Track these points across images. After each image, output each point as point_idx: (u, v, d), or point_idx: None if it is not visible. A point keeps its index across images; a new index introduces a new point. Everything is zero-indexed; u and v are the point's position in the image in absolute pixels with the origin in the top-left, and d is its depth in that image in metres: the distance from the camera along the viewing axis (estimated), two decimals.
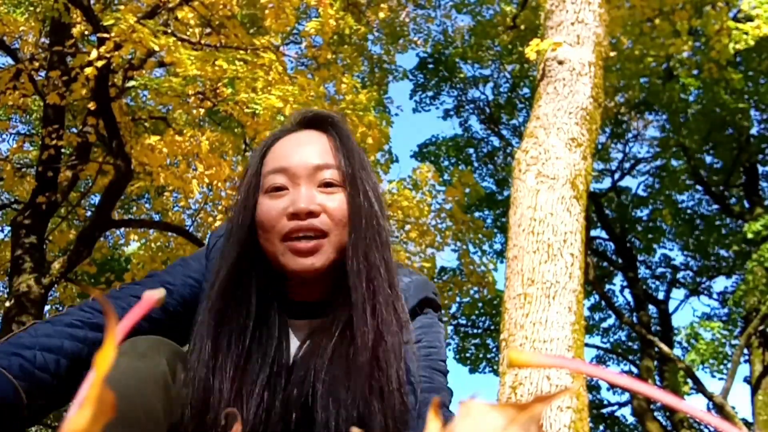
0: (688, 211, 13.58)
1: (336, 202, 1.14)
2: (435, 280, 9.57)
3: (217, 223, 7.15)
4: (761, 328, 10.97)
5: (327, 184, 1.15)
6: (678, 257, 16.57)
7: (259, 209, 1.16)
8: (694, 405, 0.27)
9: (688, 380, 12.12)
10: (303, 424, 1.08)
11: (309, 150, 1.18)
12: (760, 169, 12.97)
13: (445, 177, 11.25)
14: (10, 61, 6.76)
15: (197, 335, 1.12)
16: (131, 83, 5.65)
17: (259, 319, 1.14)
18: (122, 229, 9.03)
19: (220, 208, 7.30)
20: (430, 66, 12.98)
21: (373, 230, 1.15)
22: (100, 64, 4.66)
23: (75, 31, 6.00)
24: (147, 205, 9.77)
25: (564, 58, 4.85)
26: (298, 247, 1.11)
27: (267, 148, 1.23)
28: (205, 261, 1.24)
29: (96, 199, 8.66)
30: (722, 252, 13.42)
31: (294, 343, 1.16)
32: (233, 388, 1.07)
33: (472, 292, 10.28)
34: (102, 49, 4.65)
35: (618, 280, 14.35)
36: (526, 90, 13.00)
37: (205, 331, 1.11)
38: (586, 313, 13.10)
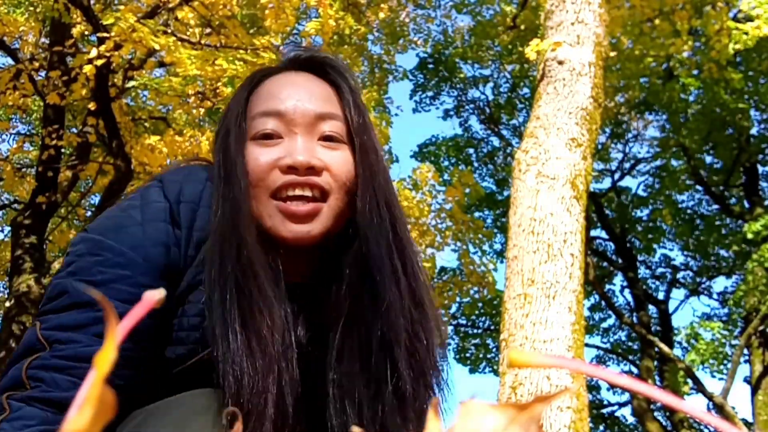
0: (688, 211, 13.58)
1: (341, 159, 0.96)
2: (435, 280, 9.57)
3: None
4: (761, 328, 10.96)
5: (329, 138, 0.97)
6: (678, 257, 16.56)
7: (244, 158, 0.95)
8: (694, 405, 0.27)
9: (688, 380, 12.12)
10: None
11: (308, 94, 0.98)
12: (760, 169, 12.97)
13: (445, 177, 11.24)
14: (10, 61, 6.76)
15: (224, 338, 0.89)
16: (131, 83, 5.66)
17: (274, 303, 0.93)
18: None
19: None
20: (430, 66, 12.99)
21: (389, 195, 0.98)
22: (99, 62, 4.66)
23: (75, 31, 6.01)
24: None
25: (564, 58, 4.85)
26: (293, 210, 0.92)
27: (254, 86, 1.02)
28: (181, 259, 0.94)
29: (96, 199, 8.66)
30: (722, 252, 13.43)
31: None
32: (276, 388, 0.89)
33: (472, 292, 10.28)
34: (102, 48, 4.65)
35: (618, 280, 14.36)
36: (526, 90, 13.00)
37: (233, 330, 0.89)
38: (586, 313, 13.09)
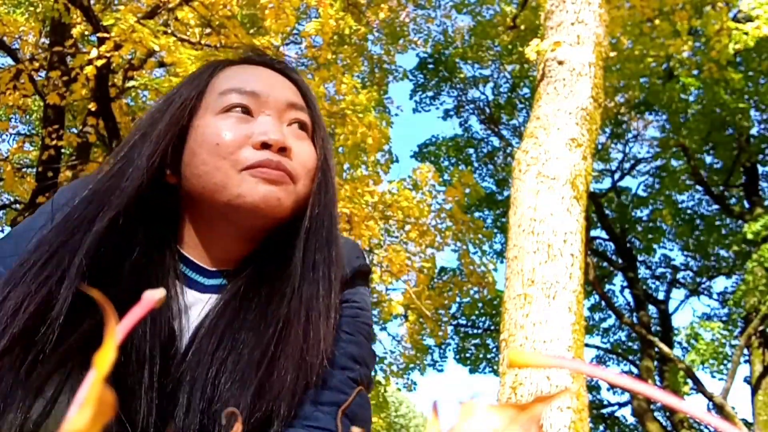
0: (688, 211, 13.59)
1: (308, 149, 0.94)
2: (435, 280, 9.57)
3: None
4: (761, 328, 10.97)
5: (300, 125, 0.95)
6: (678, 257, 16.61)
7: (202, 130, 0.90)
8: (694, 405, 0.27)
9: (688, 380, 12.13)
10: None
11: (280, 83, 0.97)
12: (760, 169, 12.98)
13: (445, 177, 11.26)
14: (10, 61, 6.76)
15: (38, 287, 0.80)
16: (131, 83, 5.65)
17: (149, 277, 0.86)
18: None
19: None
20: (430, 66, 12.99)
21: (333, 193, 0.97)
22: (100, 63, 4.67)
23: (75, 31, 6.01)
24: None
25: (564, 58, 4.85)
26: (265, 171, 0.88)
27: (216, 71, 0.98)
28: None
29: None
30: (722, 252, 13.44)
31: (192, 319, 0.91)
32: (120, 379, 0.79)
33: (472, 292, 10.28)
34: (102, 48, 4.66)
35: (618, 280, 14.37)
36: (526, 90, 13.01)
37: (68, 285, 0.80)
38: (586, 313, 13.11)
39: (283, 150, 0.89)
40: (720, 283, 31.03)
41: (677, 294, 15.11)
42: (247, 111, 0.92)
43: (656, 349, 12.10)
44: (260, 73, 0.97)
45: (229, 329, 0.88)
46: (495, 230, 12.73)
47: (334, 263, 0.94)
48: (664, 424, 12.51)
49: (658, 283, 14.34)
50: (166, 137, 0.90)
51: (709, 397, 10.81)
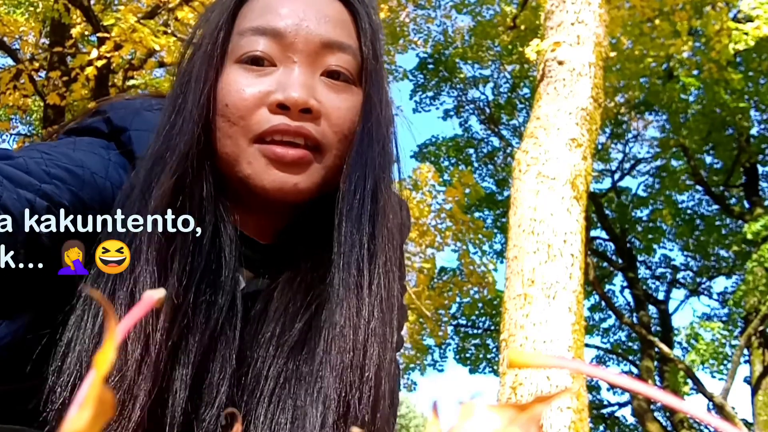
0: (688, 211, 13.59)
1: (345, 105, 0.75)
2: (435, 280, 9.58)
3: None
4: (761, 328, 10.97)
5: (335, 74, 0.75)
6: (678, 257, 16.58)
7: (222, 84, 0.74)
8: (694, 405, 0.27)
9: (688, 380, 12.13)
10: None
11: (317, 14, 0.75)
12: (760, 169, 12.98)
13: (445, 177, 11.25)
14: (10, 61, 6.77)
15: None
16: (131, 83, 5.66)
17: (207, 266, 0.73)
18: None
19: None
20: (430, 66, 13.00)
21: (381, 147, 0.77)
22: (100, 63, 4.67)
23: (75, 31, 6.01)
24: None
25: (564, 58, 4.85)
26: (279, 153, 0.72)
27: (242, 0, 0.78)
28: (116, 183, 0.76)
29: None
30: (722, 252, 13.44)
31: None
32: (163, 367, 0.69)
33: (472, 292, 10.28)
34: (102, 49, 4.67)
35: (618, 280, 14.37)
36: (526, 90, 13.01)
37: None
38: (586, 313, 13.09)
39: (306, 111, 0.72)
40: (720, 283, 31.02)
41: (677, 294, 15.09)
42: (268, 58, 0.74)
43: (656, 349, 12.10)
44: (294, 1, 0.76)
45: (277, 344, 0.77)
46: (495, 230, 12.72)
47: (380, 242, 0.76)
48: (664, 424, 12.51)
49: (658, 283, 14.35)
50: (209, 89, 0.74)
51: (709, 398, 10.81)
